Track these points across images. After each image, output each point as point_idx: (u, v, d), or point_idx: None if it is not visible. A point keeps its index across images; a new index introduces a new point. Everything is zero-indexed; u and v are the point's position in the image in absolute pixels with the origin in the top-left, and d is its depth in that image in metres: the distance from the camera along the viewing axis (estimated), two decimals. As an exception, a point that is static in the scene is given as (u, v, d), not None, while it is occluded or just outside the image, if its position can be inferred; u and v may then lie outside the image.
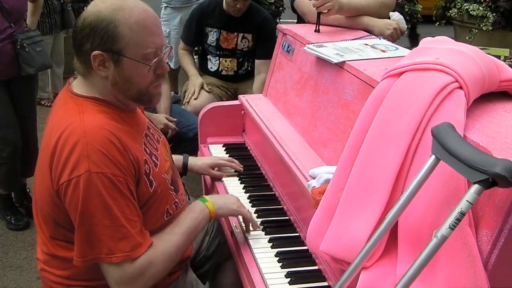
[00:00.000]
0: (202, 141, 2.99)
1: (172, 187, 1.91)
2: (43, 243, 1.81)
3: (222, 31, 4.20)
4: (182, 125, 3.72)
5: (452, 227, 1.19)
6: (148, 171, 1.76)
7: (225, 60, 4.30)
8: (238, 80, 4.30)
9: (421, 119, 1.49)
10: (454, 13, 7.48)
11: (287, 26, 2.92)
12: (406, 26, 2.84)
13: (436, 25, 7.98)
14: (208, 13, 4.21)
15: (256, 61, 4.27)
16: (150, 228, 1.77)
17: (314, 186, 1.90)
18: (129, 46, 1.66)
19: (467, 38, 7.42)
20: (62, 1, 6.25)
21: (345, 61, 2.16)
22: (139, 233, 1.69)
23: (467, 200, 1.18)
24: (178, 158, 2.44)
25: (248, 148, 2.87)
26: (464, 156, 1.22)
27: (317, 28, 2.73)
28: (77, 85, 1.77)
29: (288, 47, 2.76)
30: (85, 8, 6.73)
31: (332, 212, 1.64)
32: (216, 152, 2.84)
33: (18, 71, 3.58)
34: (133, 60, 1.67)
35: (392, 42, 2.65)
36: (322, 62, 2.33)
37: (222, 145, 2.91)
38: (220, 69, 4.30)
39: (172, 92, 5.79)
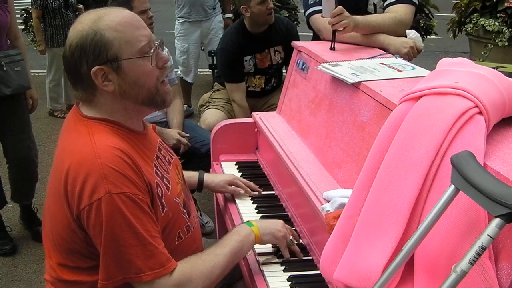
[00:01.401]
0: (214, 159, 2.96)
1: (184, 211, 1.88)
2: (51, 268, 1.78)
3: (256, 54, 4.14)
4: (195, 141, 3.70)
5: (472, 262, 1.14)
6: (160, 195, 1.73)
7: (254, 77, 4.25)
8: (262, 96, 4.27)
9: (439, 146, 1.44)
10: (469, 28, 7.41)
11: (301, 43, 2.89)
12: (423, 45, 2.79)
13: (450, 37, 7.92)
14: (241, 44, 4.11)
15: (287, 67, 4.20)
16: None
17: (328, 210, 1.86)
18: (122, 48, 1.63)
19: (482, 53, 7.35)
20: (76, 13, 6.29)
21: (361, 81, 2.12)
22: (164, 249, 1.67)
23: (488, 235, 1.14)
24: (193, 175, 2.41)
25: (261, 166, 2.83)
26: (485, 188, 1.18)
27: (332, 46, 2.70)
28: (85, 107, 1.73)
29: (303, 65, 2.72)
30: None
31: (346, 238, 1.60)
32: (228, 170, 2.80)
33: None
34: (132, 59, 1.65)
35: (409, 60, 2.61)
36: (337, 81, 2.30)
37: (234, 163, 2.87)
38: (247, 85, 4.24)
39: (185, 106, 5.78)
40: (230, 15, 6.51)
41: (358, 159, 2.02)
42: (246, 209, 2.41)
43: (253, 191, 2.53)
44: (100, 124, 1.69)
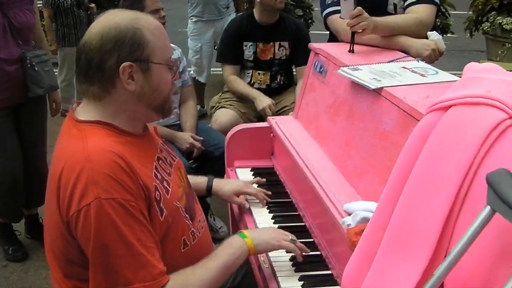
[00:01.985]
0: (229, 165, 2.87)
1: (187, 215, 1.80)
2: (57, 282, 1.70)
3: (258, 43, 4.12)
4: (208, 144, 3.62)
5: (513, 293, 1.05)
6: (158, 199, 1.65)
7: (258, 73, 4.20)
8: (270, 94, 4.16)
9: (472, 161, 1.34)
10: (486, 27, 7.28)
11: (319, 45, 2.79)
12: (445, 47, 2.69)
13: (467, 37, 7.79)
14: (243, 28, 4.14)
15: (297, 68, 4.24)
16: (168, 262, 1.65)
17: (350, 225, 1.77)
18: (155, 51, 1.64)
19: (499, 52, 7.23)
20: (89, 12, 6.23)
21: (383, 87, 2.03)
22: (159, 261, 1.59)
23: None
24: (202, 181, 2.35)
25: (277, 172, 2.74)
26: (526, 211, 1.08)
27: (351, 48, 2.60)
28: (82, 110, 1.69)
29: (321, 68, 2.63)
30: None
31: (371, 256, 1.50)
32: (243, 176, 2.71)
33: (26, 94, 3.37)
34: (161, 64, 1.67)
35: (430, 63, 2.51)
36: (357, 86, 2.20)
37: (250, 169, 2.78)
38: (252, 82, 4.18)
39: (198, 106, 5.71)
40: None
41: (380, 169, 1.93)
42: (262, 218, 2.33)
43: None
44: (94, 127, 1.64)
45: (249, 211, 2.39)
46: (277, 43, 4.14)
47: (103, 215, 1.50)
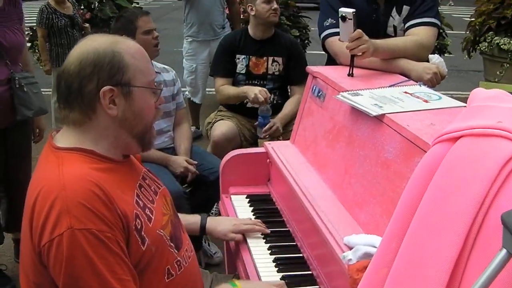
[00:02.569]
0: (223, 191, 2.77)
1: (172, 244, 1.71)
2: None
3: (251, 56, 4.08)
4: (203, 168, 3.53)
5: None
6: (139, 227, 1.58)
7: None
8: None
9: (483, 198, 1.25)
10: (484, 47, 7.25)
11: (317, 68, 2.71)
12: (446, 70, 2.61)
13: (465, 58, 7.75)
14: (237, 41, 4.12)
15: (291, 86, 4.25)
16: None
17: (351, 260, 1.68)
18: (135, 75, 1.62)
19: (498, 73, 7.18)
20: (83, 32, 6.16)
21: (384, 114, 1.94)
22: None
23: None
24: (194, 221, 2.24)
25: (274, 200, 2.65)
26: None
27: (350, 72, 2.52)
28: (61, 137, 1.63)
29: (319, 92, 2.55)
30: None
31: (374, 296, 1.41)
32: (239, 204, 2.62)
33: (14, 117, 3.24)
34: (143, 88, 1.63)
35: (432, 87, 2.43)
36: (357, 112, 2.12)
37: (245, 196, 2.69)
38: (245, 101, 4.09)
39: (193, 128, 5.63)
40: (240, 33, 6.37)
41: (382, 200, 1.84)
42: (258, 249, 2.23)
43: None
44: (72, 154, 1.57)
45: (245, 242, 2.29)
46: (270, 58, 4.11)
47: (76, 246, 1.43)
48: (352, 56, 2.52)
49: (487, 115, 1.44)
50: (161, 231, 1.68)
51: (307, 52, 6.48)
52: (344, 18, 2.45)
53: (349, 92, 2.21)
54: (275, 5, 4.00)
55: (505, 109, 1.46)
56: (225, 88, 4.07)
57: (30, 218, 1.49)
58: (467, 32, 7.72)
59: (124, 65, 1.59)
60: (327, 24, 2.86)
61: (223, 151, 3.85)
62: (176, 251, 1.72)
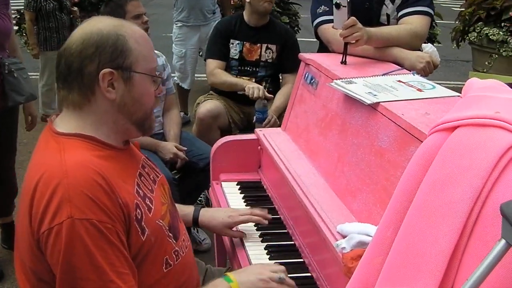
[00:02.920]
0: (214, 178, 2.75)
1: (170, 234, 1.70)
2: None
3: (245, 42, 4.08)
4: (193, 154, 3.52)
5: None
6: (140, 217, 1.55)
7: (243, 78, 4.11)
8: (253, 103, 4.09)
9: (481, 188, 1.25)
10: (473, 37, 7.26)
11: (310, 55, 2.70)
12: (439, 59, 2.61)
13: (453, 47, 7.76)
14: (232, 27, 4.12)
15: (283, 74, 4.24)
16: (148, 283, 1.57)
17: (344, 248, 1.67)
18: (138, 60, 1.59)
19: (486, 63, 7.21)
20: (71, 16, 6.10)
21: (379, 102, 1.93)
22: None
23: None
24: (188, 212, 2.15)
25: (265, 186, 2.64)
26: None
27: (343, 60, 2.51)
28: (61, 122, 1.60)
29: (312, 80, 2.53)
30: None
31: (369, 284, 1.41)
32: (229, 191, 2.60)
33: (5, 103, 3.20)
34: (144, 74, 1.60)
35: (425, 76, 2.43)
36: (351, 100, 2.11)
37: (236, 183, 2.67)
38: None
39: (182, 113, 5.60)
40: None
41: (376, 188, 1.83)
42: (250, 237, 2.21)
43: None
44: (74, 140, 1.54)
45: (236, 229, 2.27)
46: (264, 45, 4.12)
47: (75, 236, 1.40)
48: (346, 44, 2.50)
49: (484, 105, 1.43)
50: (161, 221, 1.66)
51: (298, 39, 6.46)
52: (338, 6, 2.43)
53: (343, 80, 2.20)
54: None
55: (502, 99, 1.46)
56: (222, 74, 4.06)
57: (30, 204, 1.46)
58: (457, 22, 7.74)
59: (127, 49, 1.56)
60: (320, 11, 2.84)
61: (208, 129, 3.87)
62: (174, 241, 1.71)
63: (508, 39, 6.95)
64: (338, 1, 2.43)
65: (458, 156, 1.33)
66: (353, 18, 2.42)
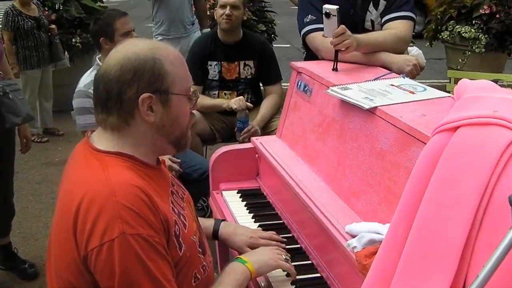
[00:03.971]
0: (214, 188, 2.82)
1: (200, 249, 1.77)
2: None
3: (222, 62, 4.12)
4: (186, 166, 3.57)
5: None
6: (178, 233, 1.62)
7: (224, 93, 4.20)
8: (234, 112, 4.16)
9: (487, 183, 1.34)
10: (446, 36, 7.43)
11: (301, 63, 2.79)
12: (425, 61, 2.72)
13: (426, 45, 7.92)
14: (207, 47, 4.13)
15: (265, 87, 4.28)
16: None
17: (356, 247, 1.76)
18: (175, 82, 1.62)
19: (460, 60, 7.38)
20: (50, 34, 6.10)
21: (377, 107, 2.03)
22: None
23: None
24: (207, 225, 2.18)
25: (264, 193, 2.72)
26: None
27: (335, 67, 2.60)
28: (99, 140, 1.64)
29: (305, 87, 2.62)
30: (74, 40, 6.56)
31: (386, 279, 1.49)
32: (231, 199, 2.67)
33: (1, 125, 3.20)
34: (181, 95, 1.64)
35: (412, 78, 2.53)
36: (347, 105, 2.20)
37: (236, 191, 2.75)
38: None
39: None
40: (208, 30, 6.37)
41: (380, 188, 1.93)
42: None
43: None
44: (114, 158, 1.59)
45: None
46: (242, 62, 4.16)
47: (129, 251, 1.46)
48: (336, 51, 2.59)
49: (483, 105, 1.54)
50: (194, 237, 1.73)
51: (274, 46, 6.55)
52: (328, 15, 2.52)
53: (338, 86, 2.29)
54: (227, 11, 3.98)
55: (498, 99, 1.56)
56: (200, 98, 4.07)
57: (74, 221, 1.49)
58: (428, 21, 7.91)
59: (164, 73, 1.59)
60: (307, 20, 2.93)
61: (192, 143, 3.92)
62: (202, 256, 1.77)
63: (480, 36, 7.14)
64: (327, 11, 2.52)
65: (463, 154, 1.43)
66: (342, 26, 2.51)
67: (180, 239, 1.63)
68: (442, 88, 4.56)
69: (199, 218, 1.97)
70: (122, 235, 1.45)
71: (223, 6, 4.00)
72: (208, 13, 6.57)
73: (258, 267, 1.90)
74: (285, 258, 2.01)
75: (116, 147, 1.61)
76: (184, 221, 1.69)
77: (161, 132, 1.64)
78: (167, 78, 1.60)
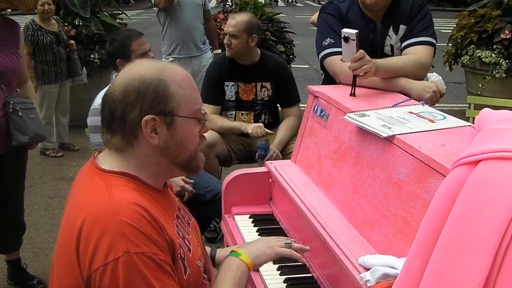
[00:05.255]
0: (226, 211, 2.78)
1: (205, 276, 1.73)
2: None
3: (239, 83, 4.10)
4: (199, 187, 3.53)
5: None
6: (183, 256, 1.59)
7: (241, 114, 4.17)
8: None
9: (509, 221, 1.28)
10: (466, 60, 7.36)
11: (318, 88, 2.74)
12: (445, 87, 2.66)
13: (446, 70, 7.85)
14: (224, 68, 4.12)
15: (283, 109, 4.24)
16: None
17: (369, 280, 1.70)
18: (180, 104, 1.59)
19: (480, 85, 7.30)
20: (68, 49, 6.13)
21: (395, 135, 1.97)
22: None
23: None
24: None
25: (277, 219, 2.66)
26: None
27: (352, 92, 2.55)
28: (105, 160, 1.62)
29: (321, 112, 2.57)
30: (92, 56, 6.59)
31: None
32: (242, 224, 2.62)
33: (10, 144, 3.19)
34: (187, 118, 1.61)
35: (431, 105, 2.47)
36: (364, 132, 2.15)
37: (248, 216, 2.69)
38: None
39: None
40: (219, 50, 6.32)
41: (395, 220, 1.87)
42: (267, 272, 2.21)
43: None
44: (119, 178, 1.57)
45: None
46: (258, 84, 4.14)
47: (134, 270, 1.43)
48: (354, 76, 2.55)
49: (505, 138, 1.47)
50: (199, 262, 1.69)
51: (292, 66, 6.52)
52: (347, 39, 2.48)
53: (355, 113, 2.24)
54: (225, 40, 4.04)
55: (521, 131, 1.50)
56: (218, 119, 4.08)
57: (77, 241, 1.47)
58: (449, 45, 7.83)
59: (169, 94, 1.57)
60: (325, 43, 2.89)
61: (205, 158, 3.88)
62: (207, 282, 1.74)
63: (501, 61, 7.05)
64: (346, 35, 2.48)
65: (483, 190, 1.36)
66: (361, 51, 2.47)
67: (185, 262, 1.60)
68: (462, 113, 4.49)
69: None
70: (126, 254, 1.42)
71: (225, 34, 4.05)
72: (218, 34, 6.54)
73: (254, 257, 1.85)
74: (285, 243, 1.94)
75: (121, 168, 1.59)
76: (189, 245, 1.66)
77: (165, 155, 1.61)
78: (172, 100, 1.57)
